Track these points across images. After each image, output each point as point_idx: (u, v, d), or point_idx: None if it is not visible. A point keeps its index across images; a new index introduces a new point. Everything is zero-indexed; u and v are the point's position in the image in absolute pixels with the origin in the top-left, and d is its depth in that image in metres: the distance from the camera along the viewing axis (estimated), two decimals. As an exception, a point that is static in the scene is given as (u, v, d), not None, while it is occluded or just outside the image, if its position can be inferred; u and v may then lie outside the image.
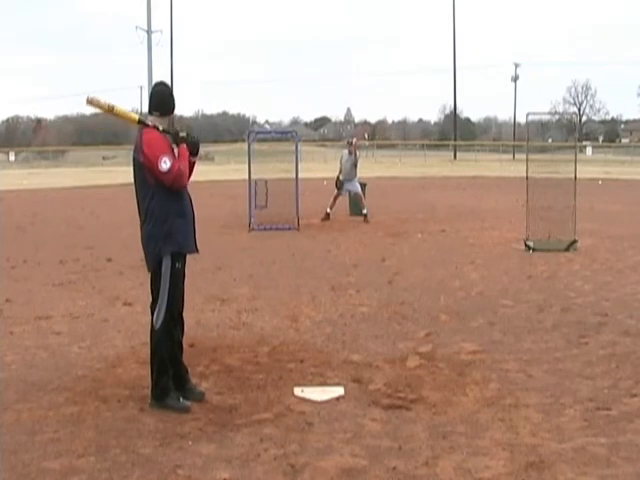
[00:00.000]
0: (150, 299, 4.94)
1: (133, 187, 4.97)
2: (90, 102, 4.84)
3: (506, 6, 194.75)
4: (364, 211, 15.91)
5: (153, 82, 5.29)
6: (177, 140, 4.87)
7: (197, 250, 5.05)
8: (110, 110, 4.88)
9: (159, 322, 4.86)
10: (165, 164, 4.70)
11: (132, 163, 4.92)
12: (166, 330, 4.88)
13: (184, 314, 5.12)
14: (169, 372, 4.93)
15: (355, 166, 16.06)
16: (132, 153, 4.91)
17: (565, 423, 4.59)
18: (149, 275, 4.93)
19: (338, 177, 16.24)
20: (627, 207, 18.65)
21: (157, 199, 4.80)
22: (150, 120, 4.85)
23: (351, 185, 16.19)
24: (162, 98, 4.95)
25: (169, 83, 5.31)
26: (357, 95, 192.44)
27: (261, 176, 15.54)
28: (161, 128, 4.85)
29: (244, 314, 7.49)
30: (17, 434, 4.47)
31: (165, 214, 4.80)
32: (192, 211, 5.00)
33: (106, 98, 4.91)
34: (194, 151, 4.95)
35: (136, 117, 4.90)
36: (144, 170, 4.79)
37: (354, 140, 16.93)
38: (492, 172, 36.35)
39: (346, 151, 16.43)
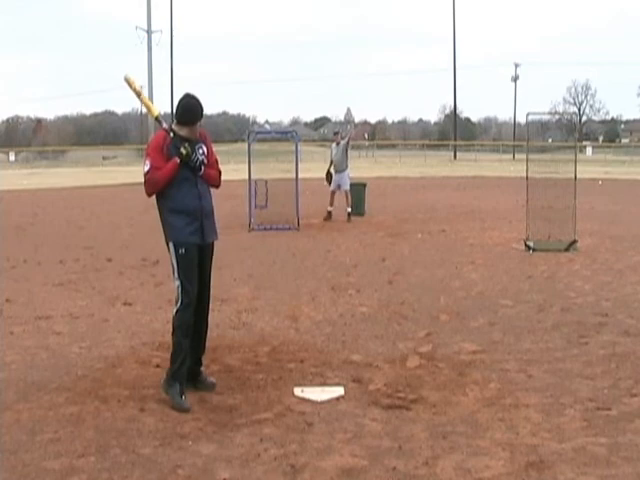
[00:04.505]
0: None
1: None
2: (126, 80, 5.39)
3: (506, 6, 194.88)
4: (348, 209, 15.99)
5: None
6: (177, 152, 5.00)
7: (199, 243, 5.09)
8: (137, 94, 5.47)
9: (175, 308, 5.07)
10: (146, 166, 5.05)
11: None
12: (181, 317, 5.03)
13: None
14: (182, 358, 5.02)
15: (346, 154, 16.08)
16: None
17: (565, 423, 4.59)
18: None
19: (328, 170, 16.27)
20: (627, 207, 18.65)
21: (158, 195, 5.10)
22: (166, 124, 5.10)
23: (341, 179, 16.17)
24: (181, 110, 5.11)
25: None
26: (357, 95, 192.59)
27: (261, 176, 15.54)
28: (171, 135, 5.04)
29: (244, 314, 7.49)
30: (17, 434, 4.47)
31: (162, 209, 5.13)
32: (198, 208, 5.07)
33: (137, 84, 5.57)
34: (191, 167, 5.06)
35: (155, 113, 5.34)
36: None
37: (340, 130, 17.51)
38: (492, 172, 36.35)
39: (334, 144, 16.48)
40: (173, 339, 5.12)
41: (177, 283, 5.04)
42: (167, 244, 5.11)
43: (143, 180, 5.03)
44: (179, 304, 5.04)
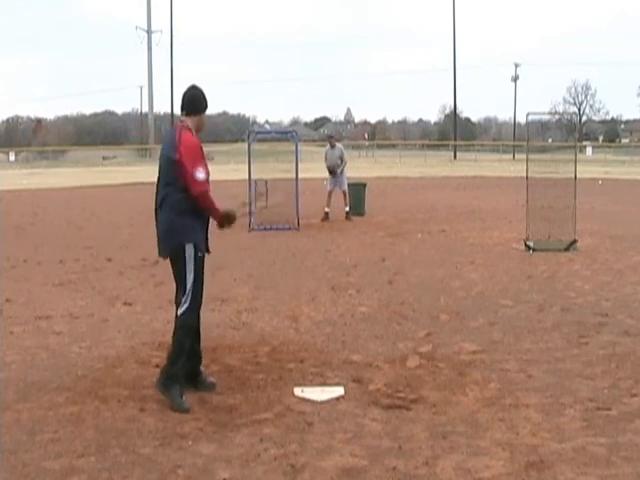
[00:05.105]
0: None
1: (156, 181, 5.16)
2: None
3: (506, 6, 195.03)
4: (346, 209, 16.17)
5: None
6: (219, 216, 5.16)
7: (209, 251, 5.24)
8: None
9: (183, 308, 5.02)
10: (200, 174, 4.97)
11: (160, 159, 5.18)
12: (187, 319, 5.03)
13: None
14: (183, 360, 5.02)
15: (341, 160, 16.17)
16: (162, 150, 5.20)
17: (565, 423, 4.59)
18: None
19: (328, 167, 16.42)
20: (627, 207, 18.66)
21: (184, 196, 4.98)
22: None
23: (339, 179, 16.29)
24: (187, 99, 5.21)
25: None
26: (357, 95, 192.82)
27: (261, 176, 15.54)
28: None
29: (244, 314, 7.49)
30: (17, 434, 4.47)
31: (187, 212, 5.01)
32: (208, 221, 5.21)
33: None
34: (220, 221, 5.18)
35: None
36: (178, 168, 4.96)
37: (333, 134, 18.09)
38: (492, 172, 36.34)
39: (328, 146, 16.63)
40: (175, 340, 5.09)
41: (189, 285, 5.01)
42: (182, 245, 5.00)
43: (198, 187, 4.94)
44: (187, 305, 5.02)
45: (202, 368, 5.37)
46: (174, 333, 5.13)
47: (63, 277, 9.73)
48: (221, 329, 6.90)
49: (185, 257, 5.01)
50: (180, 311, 5.05)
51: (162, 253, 5.19)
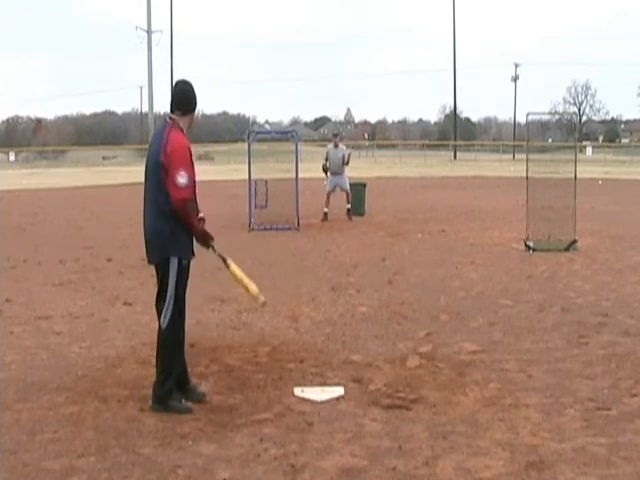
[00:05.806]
0: (152, 298, 4.93)
1: (143, 182, 4.92)
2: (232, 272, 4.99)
3: (506, 6, 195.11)
4: (348, 206, 16.24)
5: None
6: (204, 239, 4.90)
7: (194, 255, 5.00)
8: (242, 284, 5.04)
9: (166, 321, 4.85)
10: (182, 178, 4.65)
11: (148, 160, 4.85)
12: (174, 329, 4.86)
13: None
14: (175, 373, 4.89)
15: (343, 161, 16.11)
16: (151, 151, 4.85)
17: (565, 423, 4.59)
18: (154, 272, 4.95)
19: (325, 165, 16.26)
20: (627, 207, 18.65)
21: (170, 201, 4.71)
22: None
23: (340, 180, 16.27)
24: (184, 97, 4.95)
25: (172, 84, 5.32)
26: (357, 95, 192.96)
27: (261, 176, 15.54)
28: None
29: (244, 314, 7.49)
30: (17, 434, 4.47)
31: (172, 217, 4.74)
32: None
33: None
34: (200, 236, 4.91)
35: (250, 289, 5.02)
36: (163, 170, 4.68)
37: (339, 133, 18.17)
38: (492, 172, 36.33)
39: (331, 145, 16.50)
40: (164, 354, 4.86)
41: (170, 293, 4.78)
42: (167, 257, 4.78)
43: (178, 192, 4.64)
44: (169, 317, 4.81)
45: (190, 373, 5.16)
46: (160, 347, 4.90)
47: (63, 277, 9.73)
48: (221, 329, 6.90)
49: (169, 269, 4.80)
50: (164, 323, 4.84)
51: (150, 261, 4.97)
